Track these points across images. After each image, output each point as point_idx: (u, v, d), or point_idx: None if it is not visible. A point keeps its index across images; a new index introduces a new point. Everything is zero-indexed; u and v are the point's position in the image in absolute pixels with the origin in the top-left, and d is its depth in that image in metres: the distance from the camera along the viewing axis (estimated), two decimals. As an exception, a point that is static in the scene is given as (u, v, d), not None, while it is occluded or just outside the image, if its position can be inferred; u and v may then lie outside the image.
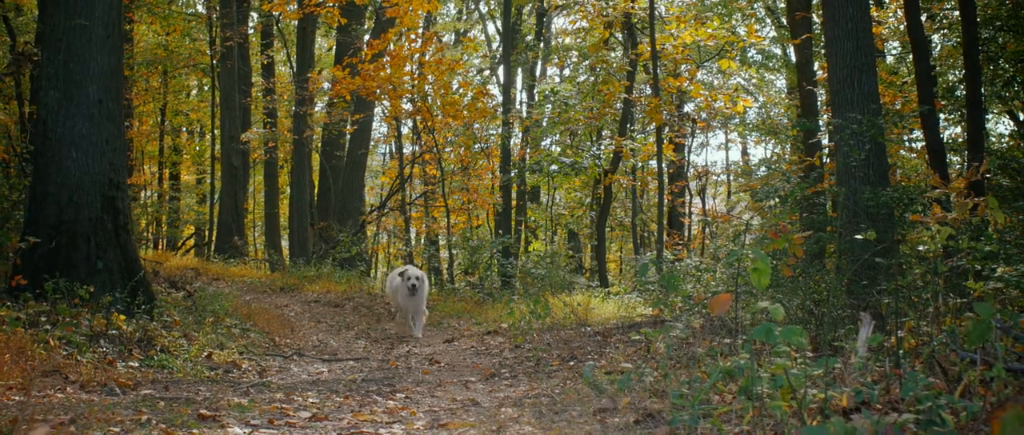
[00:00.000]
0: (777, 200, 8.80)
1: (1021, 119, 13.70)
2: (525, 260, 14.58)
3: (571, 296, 11.53)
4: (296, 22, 20.43)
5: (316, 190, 20.73)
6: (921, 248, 5.32)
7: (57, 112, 6.90)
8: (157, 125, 24.94)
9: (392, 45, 16.02)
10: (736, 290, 3.61)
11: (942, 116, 13.42)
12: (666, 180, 17.15)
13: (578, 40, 20.70)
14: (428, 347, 8.58)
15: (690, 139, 24.67)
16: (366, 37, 19.31)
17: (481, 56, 25.20)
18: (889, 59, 17.27)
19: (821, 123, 13.05)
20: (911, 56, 11.48)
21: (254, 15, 21.41)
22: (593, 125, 18.51)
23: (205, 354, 6.48)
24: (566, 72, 23.97)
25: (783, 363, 2.73)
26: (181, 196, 26.08)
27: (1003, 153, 11.54)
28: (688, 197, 25.17)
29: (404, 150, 19.31)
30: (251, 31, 21.48)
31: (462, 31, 26.93)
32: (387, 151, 28.53)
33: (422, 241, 21.68)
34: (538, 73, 24.84)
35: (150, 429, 3.50)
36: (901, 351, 3.59)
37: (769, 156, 26.65)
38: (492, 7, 25.57)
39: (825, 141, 12.72)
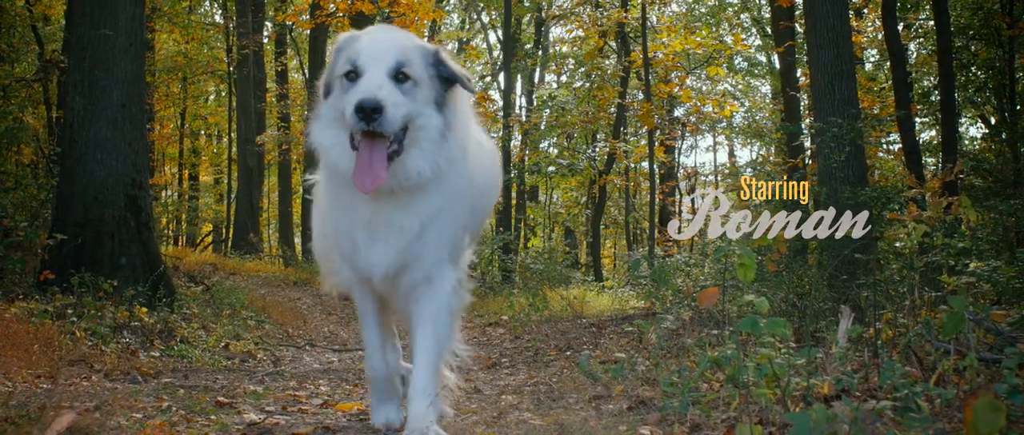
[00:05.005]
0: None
1: (993, 123, 13.68)
2: (524, 256, 14.58)
3: (568, 290, 11.52)
4: (308, 31, 20.41)
5: (327, 190, 20.64)
6: (898, 245, 5.32)
7: (83, 116, 6.89)
8: (177, 128, 24.90)
9: (399, 53, 15.94)
10: (723, 284, 3.60)
11: (918, 120, 13.41)
12: (657, 180, 17.14)
13: (574, 48, 20.67)
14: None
15: (680, 142, 24.65)
16: (374, 45, 19.20)
17: (483, 63, 25.17)
18: (868, 66, 17.26)
19: (804, 127, 13.03)
20: (888, 63, 11.47)
21: (269, 25, 21.37)
22: (589, 128, 18.51)
23: (222, 344, 6.48)
24: (563, 78, 23.94)
25: (768, 353, 2.73)
26: (200, 195, 26.05)
27: (975, 155, 11.54)
28: (678, 196, 25.15)
29: (410, 152, 19.24)
30: (266, 40, 21.45)
31: (465, 40, 26.89)
32: (394, 153, 28.46)
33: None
34: (537, 79, 24.81)
35: (171, 415, 3.50)
36: (879, 342, 3.59)
37: (755, 158, 26.62)
38: (493, 17, 25.52)
39: (807, 144, 12.70)
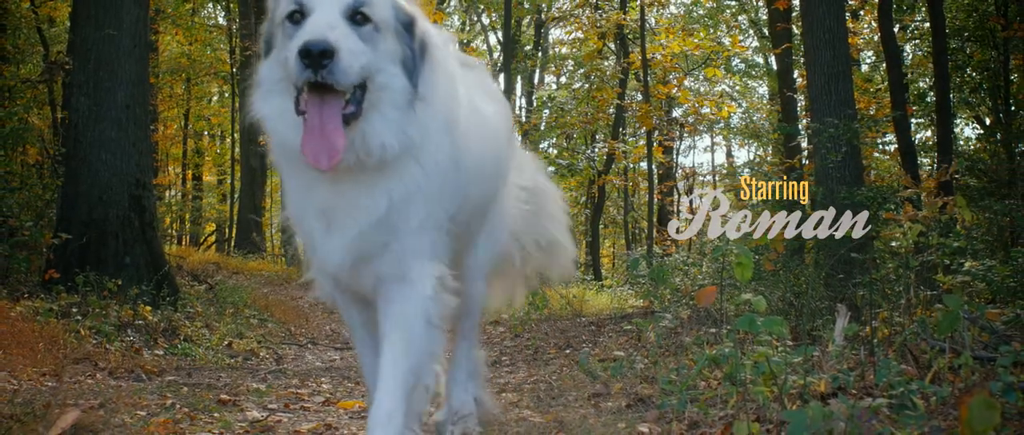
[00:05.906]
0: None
1: (988, 123, 13.69)
2: (524, 255, 14.54)
3: (567, 289, 11.51)
4: (310, 33, 20.40)
5: (329, 190, 20.62)
6: (894, 244, 5.32)
7: (87, 117, 6.89)
8: (181, 129, 24.90)
9: (400, 54, 15.94)
10: (721, 283, 3.60)
11: (913, 121, 13.42)
12: (656, 180, 17.15)
13: (574, 50, 20.68)
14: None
15: (678, 142, 24.65)
16: (376, 47, 19.20)
17: (483, 64, 25.17)
18: (864, 67, 17.25)
19: (800, 127, 13.03)
20: (885, 65, 11.47)
21: (271, 26, 21.40)
22: (588, 129, 18.50)
23: (226, 343, 6.48)
24: (562, 79, 23.95)
25: (765, 351, 2.73)
26: (203, 195, 26.05)
27: (970, 155, 11.53)
28: (676, 196, 25.16)
29: (411, 152, 19.24)
30: (268, 41, 21.47)
31: (465, 42, 26.89)
32: (395, 153, 28.45)
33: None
34: (536, 80, 24.81)
35: (174, 412, 3.50)
36: (875, 340, 3.59)
37: (752, 158, 26.62)
38: (493, 19, 25.52)
39: (804, 144, 12.70)
